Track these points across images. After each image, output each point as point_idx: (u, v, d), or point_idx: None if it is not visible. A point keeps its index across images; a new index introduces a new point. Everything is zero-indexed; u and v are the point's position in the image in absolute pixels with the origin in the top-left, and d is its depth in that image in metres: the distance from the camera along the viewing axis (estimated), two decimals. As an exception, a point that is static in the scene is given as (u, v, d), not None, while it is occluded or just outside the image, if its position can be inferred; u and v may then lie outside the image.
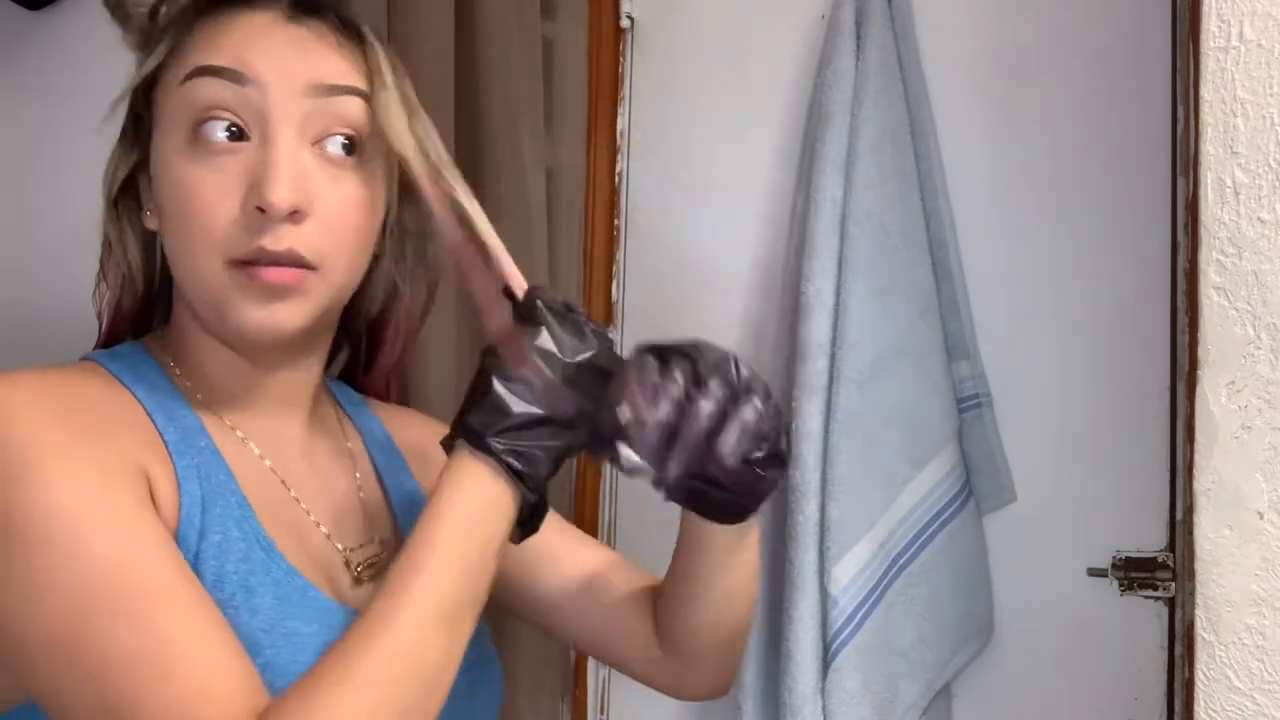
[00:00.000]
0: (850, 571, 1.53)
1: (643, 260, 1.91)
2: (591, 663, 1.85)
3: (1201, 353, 1.02)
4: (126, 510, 0.73)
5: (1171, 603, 1.53)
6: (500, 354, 0.82)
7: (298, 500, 0.90)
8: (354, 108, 0.85)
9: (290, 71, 0.83)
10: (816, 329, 1.58)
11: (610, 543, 1.88)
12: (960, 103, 1.70)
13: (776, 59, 1.82)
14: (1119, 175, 1.61)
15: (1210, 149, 1.03)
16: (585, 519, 1.88)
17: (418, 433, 1.06)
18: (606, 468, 1.90)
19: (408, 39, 1.53)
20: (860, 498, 1.55)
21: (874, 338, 1.57)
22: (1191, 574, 1.02)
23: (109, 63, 0.94)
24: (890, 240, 1.60)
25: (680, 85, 1.90)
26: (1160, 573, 1.52)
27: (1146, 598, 1.55)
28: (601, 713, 1.84)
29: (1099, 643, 1.60)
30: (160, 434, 0.81)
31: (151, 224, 0.88)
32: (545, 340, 0.83)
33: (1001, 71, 1.70)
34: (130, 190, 0.90)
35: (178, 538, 0.77)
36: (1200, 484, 1.02)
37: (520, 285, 0.86)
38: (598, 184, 1.90)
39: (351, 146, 0.85)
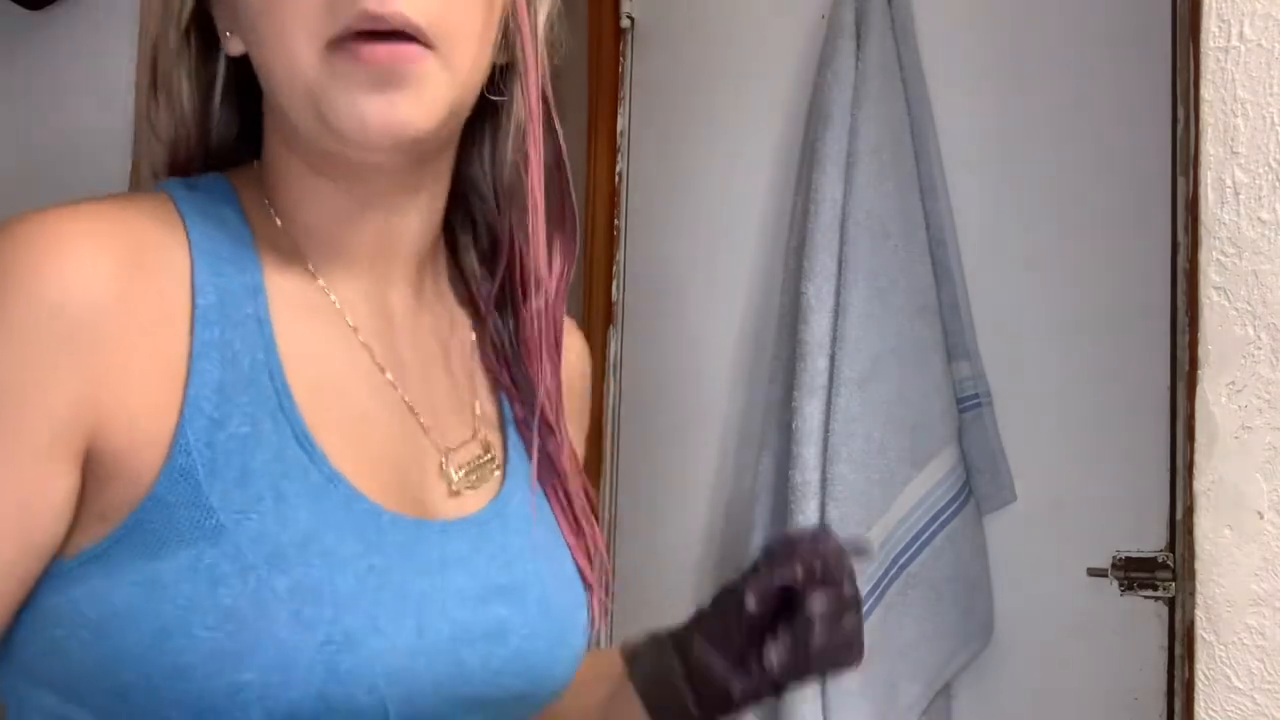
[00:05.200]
0: (850, 571, 1.53)
1: (643, 260, 1.91)
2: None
3: (1201, 353, 1.02)
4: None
5: (1171, 603, 1.53)
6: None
7: (394, 384, 0.76)
8: None
9: None
10: (816, 329, 1.58)
11: (611, 537, 1.88)
12: (960, 103, 1.70)
13: (776, 59, 1.82)
14: (1119, 175, 1.61)
15: (1210, 149, 1.03)
16: (585, 519, 1.88)
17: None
18: (608, 462, 1.90)
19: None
20: (860, 498, 1.55)
21: (874, 338, 1.57)
22: (1191, 574, 1.02)
23: (109, 63, 0.94)
24: (890, 240, 1.60)
25: (680, 85, 1.90)
26: (1160, 573, 1.52)
27: (1146, 598, 1.55)
28: (601, 713, 1.84)
29: (1099, 643, 1.60)
30: (193, 294, 0.68)
31: (234, 47, 0.74)
32: None
33: (1001, 72, 1.70)
34: (201, 23, 0.76)
35: (178, 432, 0.65)
36: (1200, 484, 1.02)
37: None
38: (598, 184, 1.90)
39: None
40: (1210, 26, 1.03)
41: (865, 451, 1.55)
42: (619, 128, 1.92)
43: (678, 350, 1.88)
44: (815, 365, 1.57)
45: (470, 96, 0.73)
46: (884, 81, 1.64)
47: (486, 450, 0.79)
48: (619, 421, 1.91)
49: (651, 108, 1.91)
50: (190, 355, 0.67)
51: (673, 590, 1.83)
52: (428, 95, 0.68)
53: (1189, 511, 1.02)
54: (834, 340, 1.58)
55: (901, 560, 1.57)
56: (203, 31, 0.75)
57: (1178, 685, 1.06)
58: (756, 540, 1.64)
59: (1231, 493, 1.01)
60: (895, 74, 1.66)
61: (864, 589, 1.54)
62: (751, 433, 1.77)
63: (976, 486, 1.65)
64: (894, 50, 1.66)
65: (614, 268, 1.91)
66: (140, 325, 0.66)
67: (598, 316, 1.90)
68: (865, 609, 1.54)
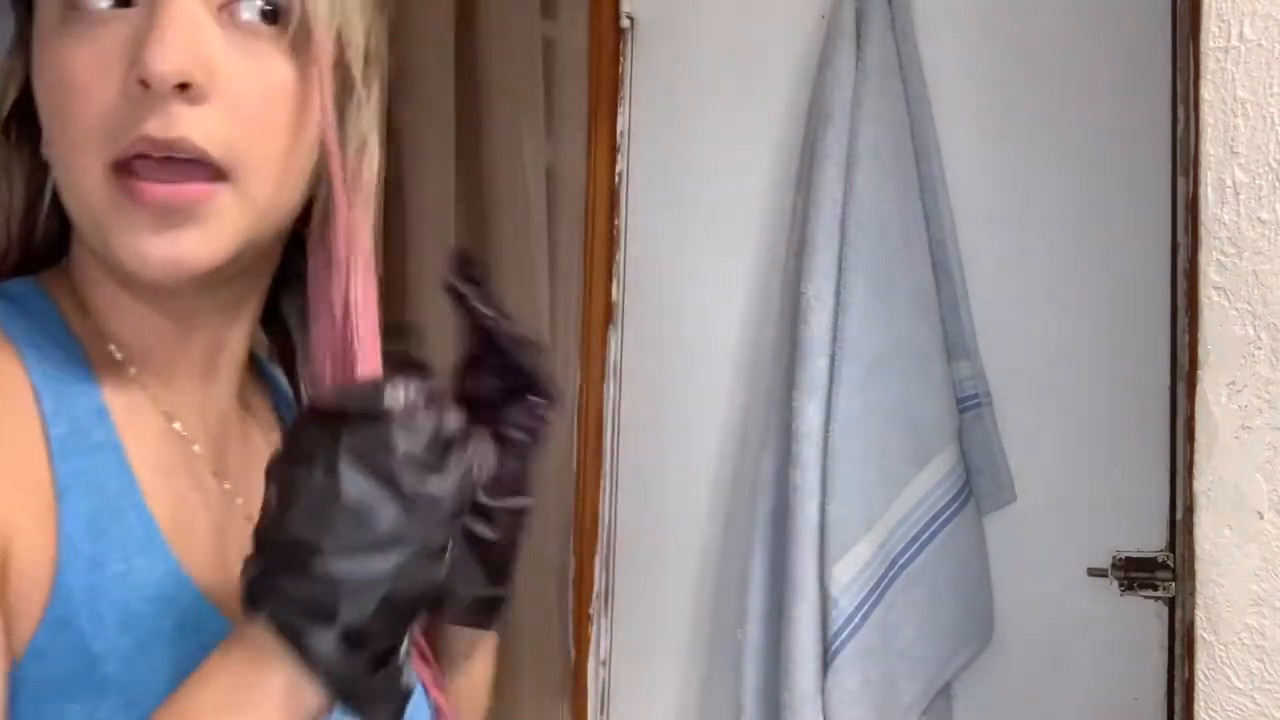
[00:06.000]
0: (850, 571, 1.53)
1: (643, 260, 1.91)
2: (592, 663, 1.85)
3: (1201, 353, 1.02)
4: None
5: (1171, 603, 1.53)
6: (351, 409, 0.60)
7: (234, 495, 0.72)
8: None
9: None
10: (816, 329, 1.58)
11: (610, 541, 1.89)
12: (960, 103, 1.70)
13: (776, 59, 1.82)
14: (1119, 175, 1.61)
15: (1210, 149, 1.03)
16: (585, 517, 1.88)
17: None
18: (608, 462, 1.90)
19: (408, 39, 1.54)
20: (860, 498, 1.55)
21: (874, 338, 1.57)
22: (1191, 574, 1.02)
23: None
24: (890, 240, 1.60)
25: (680, 85, 1.90)
26: (1160, 573, 1.52)
27: (1146, 598, 1.55)
28: (602, 713, 1.84)
29: (1099, 643, 1.60)
30: (44, 425, 0.62)
31: (47, 149, 0.68)
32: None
33: (1001, 72, 1.70)
34: (27, 113, 0.69)
35: (57, 577, 0.60)
36: (1200, 484, 1.02)
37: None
38: (598, 184, 1.90)
39: (274, 15, 0.65)
40: (1210, 26, 1.03)
41: (865, 451, 1.55)
42: (619, 128, 1.92)
43: (678, 350, 1.88)
44: (815, 365, 1.57)
45: (274, 226, 0.68)
46: (884, 81, 1.64)
47: None
48: (619, 422, 1.91)
49: (651, 108, 1.92)
50: (56, 488, 0.61)
51: (672, 591, 1.83)
52: (215, 230, 0.63)
53: (1189, 511, 1.02)
54: (834, 340, 1.58)
55: (901, 560, 1.57)
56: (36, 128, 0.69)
57: (1178, 685, 1.06)
58: (757, 540, 1.64)
59: (1231, 493, 1.01)
60: (895, 74, 1.66)
61: (865, 589, 1.54)
62: (751, 433, 1.77)
63: (976, 486, 1.65)
64: (894, 50, 1.67)
65: (614, 268, 1.91)
66: (6, 446, 0.60)
67: (597, 317, 1.91)
68: (866, 609, 1.55)
